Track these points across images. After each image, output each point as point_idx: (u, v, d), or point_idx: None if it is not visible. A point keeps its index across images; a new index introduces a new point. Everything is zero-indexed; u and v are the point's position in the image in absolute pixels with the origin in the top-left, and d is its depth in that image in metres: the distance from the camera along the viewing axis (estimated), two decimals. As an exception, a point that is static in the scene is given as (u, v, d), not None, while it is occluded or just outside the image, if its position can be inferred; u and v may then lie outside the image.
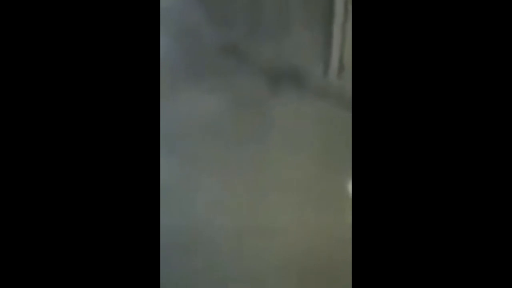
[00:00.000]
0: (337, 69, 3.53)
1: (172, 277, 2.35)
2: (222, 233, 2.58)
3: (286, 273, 2.45)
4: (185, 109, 3.46)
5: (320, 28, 3.53)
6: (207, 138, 3.20)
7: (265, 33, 3.61)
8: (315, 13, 3.54)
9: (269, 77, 3.59)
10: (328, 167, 3.04)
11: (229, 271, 2.47)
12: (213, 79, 3.69)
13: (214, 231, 2.59)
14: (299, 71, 3.58)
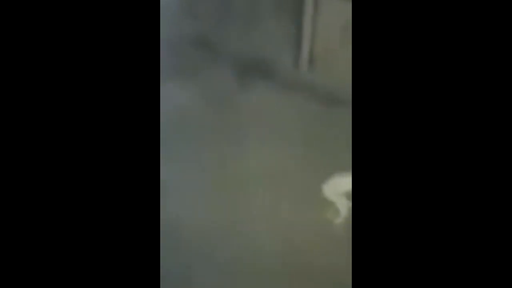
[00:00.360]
0: (307, 61, 3.50)
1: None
2: (192, 230, 2.55)
3: (261, 268, 2.45)
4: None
5: (290, 20, 3.50)
6: (177, 133, 3.16)
7: (235, 25, 3.53)
8: (285, 5, 3.51)
9: (239, 69, 3.54)
10: (303, 161, 3.00)
11: (201, 267, 2.43)
12: (182, 73, 3.66)
13: (185, 228, 2.55)
14: (269, 64, 3.54)
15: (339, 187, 2.67)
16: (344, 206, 2.64)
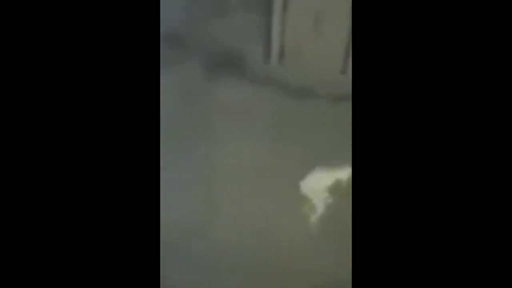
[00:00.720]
0: (278, 55, 3.43)
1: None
2: (167, 229, 2.43)
3: (237, 266, 2.45)
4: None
5: (259, 14, 3.45)
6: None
7: (203, 19, 3.47)
8: (254, -2, 3.48)
9: (210, 65, 3.48)
10: (280, 156, 2.98)
11: (178, 266, 2.43)
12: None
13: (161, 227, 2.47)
14: (240, 58, 3.49)
15: (319, 183, 2.69)
16: (321, 202, 2.64)
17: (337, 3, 3.13)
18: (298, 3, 3.29)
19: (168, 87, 3.34)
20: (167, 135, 2.99)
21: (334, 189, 2.73)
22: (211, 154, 2.99)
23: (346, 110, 2.99)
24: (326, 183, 2.71)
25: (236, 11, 3.54)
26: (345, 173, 2.84)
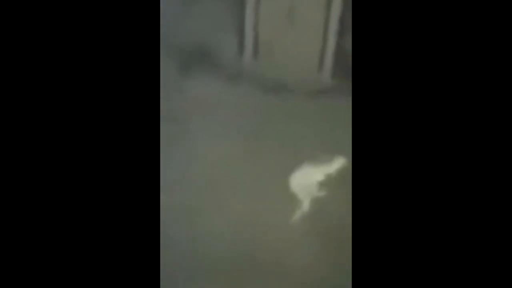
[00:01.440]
0: (252, 48, 3.35)
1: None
2: None
3: (220, 263, 2.41)
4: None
5: (232, 5, 3.36)
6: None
7: (173, 11, 3.36)
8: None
9: (181, 59, 3.36)
10: (256, 155, 2.91)
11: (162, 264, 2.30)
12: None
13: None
14: (212, 52, 3.38)
15: (306, 179, 2.64)
16: (307, 198, 2.59)
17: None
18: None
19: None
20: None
21: (320, 184, 2.70)
22: (186, 153, 2.91)
23: (324, 104, 3.09)
24: (311, 179, 2.67)
25: (208, 4, 3.47)
26: (330, 167, 2.80)
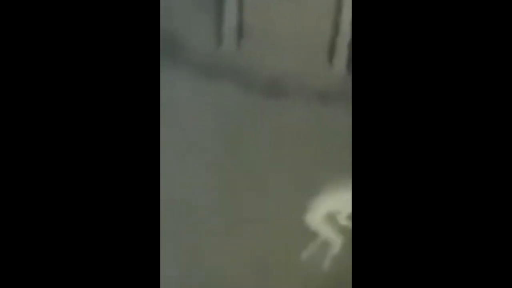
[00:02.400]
0: (235, 36, 2.77)
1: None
2: None
3: None
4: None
5: None
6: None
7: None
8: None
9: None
10: (235, 181, 2.51)
11: None
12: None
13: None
14: (183, 41, 2.86)
15: (322, 211, 2.41)
16: (336, 240, 2.37)
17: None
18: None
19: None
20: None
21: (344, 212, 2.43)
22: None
23: (334, 112, 2.57)
24: (331, 209, 2.41)
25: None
26: (335, 203, 2.44)
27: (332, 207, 2.44)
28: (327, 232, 2.41)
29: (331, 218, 2.44)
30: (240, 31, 2.77)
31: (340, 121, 2.55)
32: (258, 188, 2.54)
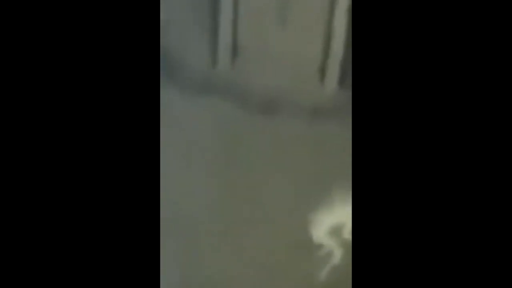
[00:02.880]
0: (229, 54, 2.80)
1: None
2: None
3: None
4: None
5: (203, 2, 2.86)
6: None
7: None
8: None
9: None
10: (231, 195, 2.55)
11: None
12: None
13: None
14: (177, 59, 2.89)
15: (325, 225, 2.42)
16: (337, 249, 2.39)
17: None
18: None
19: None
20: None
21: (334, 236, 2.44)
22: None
23: (326, 130, 2.61)
24: (332, 221, 2.43)
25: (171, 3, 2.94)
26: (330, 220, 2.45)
27: (336, 220, 2.44)
28: (329, 244, 2.41)
29: (335, 231, 2.45)
30: (234, 50, 2.78)
31: (332, 136, 2.57)
32: (255, 203, 2.53)
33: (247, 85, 2.75)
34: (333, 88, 2.72)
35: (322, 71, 2.72)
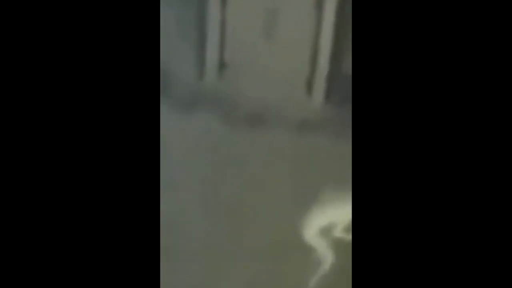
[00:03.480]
0: (216, 67, 2.81)
1: None
2: None
3: None
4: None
5: (189, 9, 2.85)
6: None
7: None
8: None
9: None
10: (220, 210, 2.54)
11: None
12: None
13: None
14: (164, 74, 2.82)
15: (317, 225, 2.44)
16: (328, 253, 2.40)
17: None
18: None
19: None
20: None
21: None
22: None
23: (313, 142, 2.63)
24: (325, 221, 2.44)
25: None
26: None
27: (327, 221, 2.46)
28: (320, 248, 2.42)
29: (325, 233, 2.47)
30: (222, 64, 2.79)
31: (319, 148, 2.58)
32: (243, 215, 2.52)
33: (234, 99, 2.75)
34: (320, 101, 2.73)
35: (309, 84, 2.73)
